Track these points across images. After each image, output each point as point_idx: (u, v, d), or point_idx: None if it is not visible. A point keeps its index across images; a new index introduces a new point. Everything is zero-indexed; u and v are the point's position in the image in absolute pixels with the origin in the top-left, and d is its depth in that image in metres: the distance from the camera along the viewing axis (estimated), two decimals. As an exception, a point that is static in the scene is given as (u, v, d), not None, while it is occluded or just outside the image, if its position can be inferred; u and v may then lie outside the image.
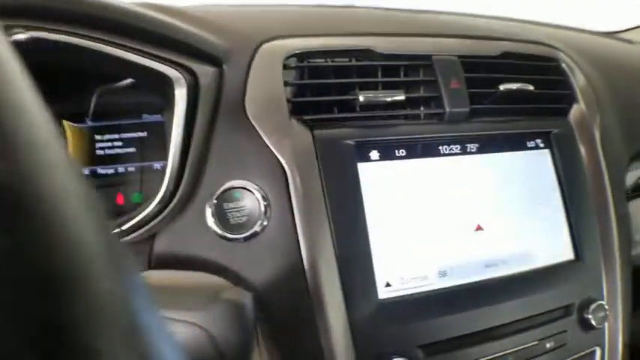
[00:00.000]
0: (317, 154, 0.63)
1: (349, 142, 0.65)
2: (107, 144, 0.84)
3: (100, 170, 0.84)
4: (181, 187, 0.63)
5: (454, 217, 0.69)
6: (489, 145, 0.73)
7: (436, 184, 0.69)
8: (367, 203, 0.64)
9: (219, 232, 0.62)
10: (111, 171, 0.83)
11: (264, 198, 0.62)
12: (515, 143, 0.75)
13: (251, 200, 0.62)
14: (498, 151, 0.74)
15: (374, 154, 0.66)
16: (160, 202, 0.63)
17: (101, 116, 0.81)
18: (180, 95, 0.64)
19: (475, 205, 0.70)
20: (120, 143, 0.82)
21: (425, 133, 0.69)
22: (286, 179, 0.62)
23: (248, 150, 0.63)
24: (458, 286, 0.68)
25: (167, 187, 0.63)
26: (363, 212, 0.64)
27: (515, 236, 0.73)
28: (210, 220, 0.62)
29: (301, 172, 0.62)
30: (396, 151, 0.68)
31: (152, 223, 0.64)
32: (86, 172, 0.83)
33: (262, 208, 0.62)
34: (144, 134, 0.83)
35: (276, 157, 0.63)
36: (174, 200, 0.63)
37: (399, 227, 0.66)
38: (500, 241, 0.71)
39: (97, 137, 0.83)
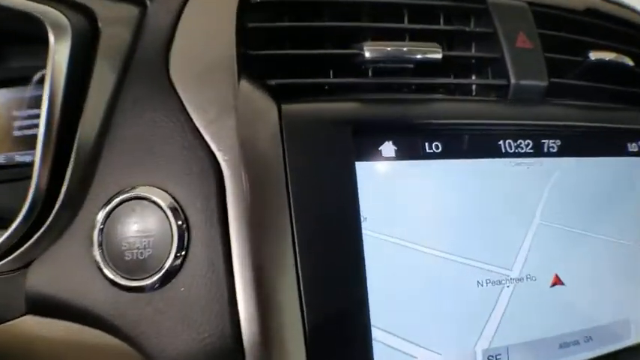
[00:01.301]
0: (284, 145, 0.30)
1: (343, 124, 0.32)
2: (26, 122, 0.51)
3: (18, 158, 0.52)
4: (61, 195, 0.33)
5: (520, 263, 0.35)
6: (576, 144, 0.39)
7: (491, 205, 0.35)
8: (368, 237, 0.31)
9: (108, 274, 0.30)
10: (29, 158, 0.51)
11: (180, 217, 0.29)
12: (611, 144, 0.41)
13: (159, 221, 0.30)
14: (589, 155, 0.39)
15: (387, 149, 0.33)
16: (26, 217, 0.33)
17: (18, 83, 0.50)
18: (60, 49, 0.33)
19: (554, 244, 0.36)
20: (43, 120, 0.50)
21: (476, 117, 0.35)
22: (222, 187, 0.29)
23: (165, 137, 0.31)
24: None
25: (35, 195, 0.33)
26: (358, 253, 0.31)
27: (607, 297, 0.38)
28: (97, 253, 0.30)
29: (252, 176, 0.30)
30: (427, 145, 0.34)
31: (22, 249, 0.33)
32: (1, 160, 0.52)
33: (176, 236, 0.29)
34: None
35: (207, 147, 0.30)
36: (51, 215, 0.33)
37: (424, 281, 0.32)
38: (587, 304, 0.37)
39: (15, 113, 0.51)
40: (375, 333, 0.31)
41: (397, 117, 0.34)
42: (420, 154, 0.34)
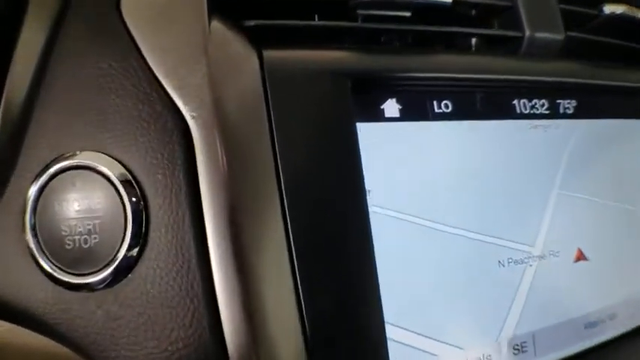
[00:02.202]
0: (268, 100, 0.22)
1: (341, 76, 0.23)
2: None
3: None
4: None
5: (542, 238, 0.28)
6: (592, 104, 0.32)
7: (508, 173, 0.28)
8: (373, 214, 0.23)
9: (45, 266, 0.20)
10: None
11: (135, 192, 0.20)
12: (629, 105, 0.34)
13: (107, 198, 0.21)
14: (606, 116, 0.32)
15: (390, 107, 0.25)
16: None
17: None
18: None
19: (575, 216, 0.29)
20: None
21: (488, 72, 0.28)
22: (190, 153, 0.20)
23: (113, 88, 0.21)
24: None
25: None
26: (365, 234, 0.24)
27: (630, 271, 0.31)
28: (30, 239, 0.20)
29: (229, 138, 0.21)
30: (435, 104, 0.26)
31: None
32: None
33: (130, 217, 0.20)
34: None
35: (170, 101, 0.21)
36: None
37: (440, 264, 0.25)
38: (611, 280, 0.31)
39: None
40: (389, 330, 0.23)
41: (402, 69, 0.26)
42: (429, 115, 0.27)
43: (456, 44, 0.32)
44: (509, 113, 0.29)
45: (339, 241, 0.23)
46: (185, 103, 0.22)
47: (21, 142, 0.23)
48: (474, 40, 0.31)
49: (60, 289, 0.22)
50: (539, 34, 0.30)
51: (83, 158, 0.22)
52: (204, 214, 0.21)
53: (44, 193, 0.22)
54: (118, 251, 0.21)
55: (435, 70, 0.27)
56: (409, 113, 0.26)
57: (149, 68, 0.22)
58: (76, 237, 0.22)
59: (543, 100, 0.30)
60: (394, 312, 0.24)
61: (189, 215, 0.21)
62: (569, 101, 0.31)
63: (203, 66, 0.22)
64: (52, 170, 0.22)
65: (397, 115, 0.26)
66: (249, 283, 0.21)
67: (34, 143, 0.23)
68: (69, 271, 0.21)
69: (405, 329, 0.24)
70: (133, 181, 0.21)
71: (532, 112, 0.30)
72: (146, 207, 0.21)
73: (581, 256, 0.29)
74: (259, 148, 0.22)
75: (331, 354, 0.22)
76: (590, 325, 0.30)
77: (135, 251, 0.21)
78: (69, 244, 0.22)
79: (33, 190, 0.22)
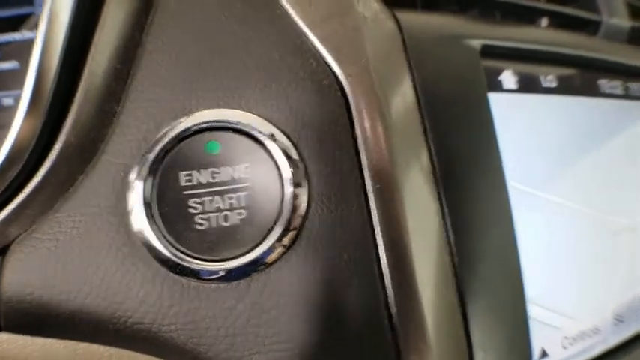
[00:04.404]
0: (410, 65, 0.18)
1: (472, 43, 0.21)
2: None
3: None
4: (67, 125, 0.18)
5: (629, 210, 0.27)
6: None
7: (603, 147, 0.27)
8: (510, 180, 0.21)
9: (164, 252, 0.15)
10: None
11: (293, 157, 0.16)
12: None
13: (259, 163, 0.16)
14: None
15: (507, 78, 0.23)
16: (7, 164, 0.17)
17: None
18: None
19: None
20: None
21: (577, 47, 0.27)
22: (349, 114, 0.17)
23: (257, 37, 0.17)
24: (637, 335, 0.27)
25: (25, 128, 0.17)
26: (507, 210, 0.21)
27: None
28: (142, 218, 0.15)
29: (385, 102, 0.17)
30: (542, 78, 0.25)
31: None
32: None
33: (290, 184, 0.16)
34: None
35: (318, 55, 0.17)
36: (52, 158, 0.18)
37: (565, 239, 0.23)
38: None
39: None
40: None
41: (514, 40, 0.24)
42: (540, 88, 0.25)
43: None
44: (594, 91, 0.29)
45: (487, 218, 0.21)
46: (338, 59, 0.18)
47: (120, 97, 0.18)
48: (543, 21, 0.31)
49: (183, 283, 0.17)
50: (613, 21, 0.30)
51: (221, 116, 0.17)
52: (366, 184, 0.18)
53: (165, 161, 0.17)
54: (272, 227, 0.17)
55: (535, 41, 0.25)
56: (524, 85, 0.25)
57: (289, 17, 0.19)
58: (212, 214, 0.17)
59: (617, 82, 0.30)
60: (530, 287, 0.22)
61: (352, 184, 0.18)
62: (638, 85, 0.31)
63: (353, 18, 0.19)
64: (175, 132, 0.17)
65: (513, 86, 0.24)
66: (410, 261, 0.18)
67: (143, 97, 0.18)
68: (201, 256, 0.17)
69: (537, 304, 0.22)
70: (291, 143, 0.17)
71: (611, 91, 0.30)
72: (307, 174, 0.17)
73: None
74: (411, 112, 0.20)
75: (485, 327, 0.20)
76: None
77: (296, 225, 0.17)
78: (201, 224, 0.17)
79: (149, 158, 0.17)
